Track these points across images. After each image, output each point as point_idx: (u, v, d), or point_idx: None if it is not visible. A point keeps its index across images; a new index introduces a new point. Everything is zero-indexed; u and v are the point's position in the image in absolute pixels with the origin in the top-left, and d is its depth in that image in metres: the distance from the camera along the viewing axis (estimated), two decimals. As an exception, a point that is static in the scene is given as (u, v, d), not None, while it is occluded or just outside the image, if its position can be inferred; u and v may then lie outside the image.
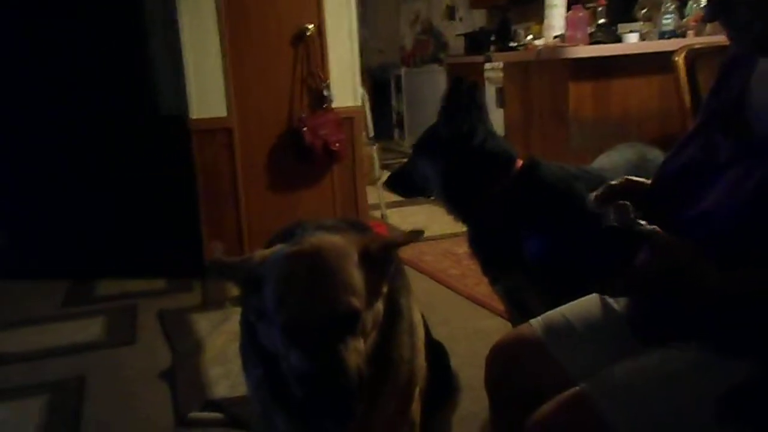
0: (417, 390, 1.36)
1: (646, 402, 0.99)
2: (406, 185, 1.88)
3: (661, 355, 1.04)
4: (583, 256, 1.02)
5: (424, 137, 1.80)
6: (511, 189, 1.66)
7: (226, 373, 2.39)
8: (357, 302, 1.05)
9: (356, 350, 1.04)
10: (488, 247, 1.73)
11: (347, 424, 1.03)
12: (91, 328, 3.01)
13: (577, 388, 1.04)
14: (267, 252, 1.13)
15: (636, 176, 1.26)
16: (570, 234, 1.13)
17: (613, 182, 1.17)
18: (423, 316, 1.48)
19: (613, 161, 1.89)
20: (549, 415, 1.05)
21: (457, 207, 1.75)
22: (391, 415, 1.29)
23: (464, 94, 1.71)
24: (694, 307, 0.98)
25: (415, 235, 1.16)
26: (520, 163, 1.69)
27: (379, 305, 1.13)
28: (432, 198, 1.84)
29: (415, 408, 1.37)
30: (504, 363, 1.33)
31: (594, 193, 1.16)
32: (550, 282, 1.53)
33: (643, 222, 0.98)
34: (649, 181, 1.20)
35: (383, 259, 1.13)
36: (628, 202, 1.06)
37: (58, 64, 4.44)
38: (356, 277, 1.07)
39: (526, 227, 1.60)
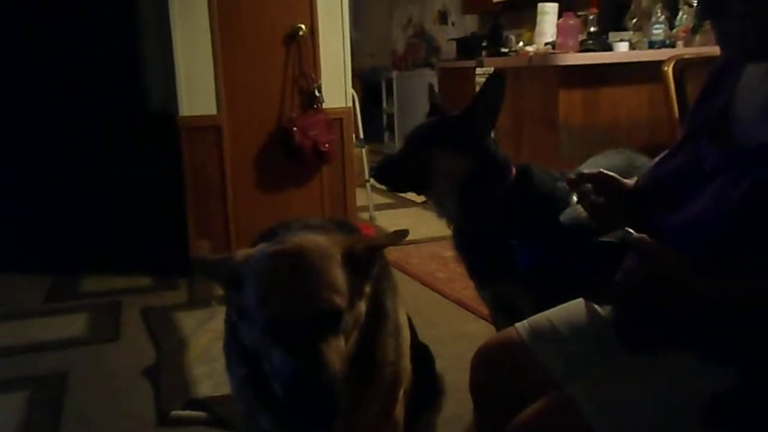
0: (401, 392, 1.36)
1: (631, 407, 0.99)
2: (400, 178, 1.75)
3: (647, 360, 1.05)
4: (573, 264, 1.02)
5: (439, 128, 1.70)
6: (507, 196, 1.66)
7: (210, 372, 2.37)
8: (340, 301, 1.04)
9: (338, 350, 1.04)
10: (481, 254, 1.72)
11: (330, 424, 1.02)
12: (74, 324, 2.99)
13: (563, 392, 1.04)
14: (250, 251, 1.12)
15: None
16: (560, 242, 1.15)
17: (586, 170, 1.19)
18: (409, 319, 1.48)
19: (601, 166, 1.89)
20: (533, 419, 1.05)
21: (461, 209, 1.69)
22: (376, 416, 1.29)
23: (502, 89, 1.68)
24: (681, 315, 0.99)
25: (400, 236, 1.16)
26: (514, 170, 1.70)
27: (362, 306, 1.13)
28: (428, 195, 1.75)
29: (400, 409, 1.37)
30: (489, 366, 1.33)
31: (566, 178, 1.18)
32: (540, 289, 1.53)
33: (630, 230, 0.99)
34: (621, 179, 1.21)
35: (367, 259, 1.13)
36: (589, 185, 1.11)
37: (48, 58, 4.41)
38: (339, 276, 1.06)
39: (518, 235, 1.60)
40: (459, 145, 1.66)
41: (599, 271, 1.01)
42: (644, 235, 0.97)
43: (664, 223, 1.04)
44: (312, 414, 1.00)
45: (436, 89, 1.95)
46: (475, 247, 1.73)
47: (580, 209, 1.14)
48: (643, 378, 1.03)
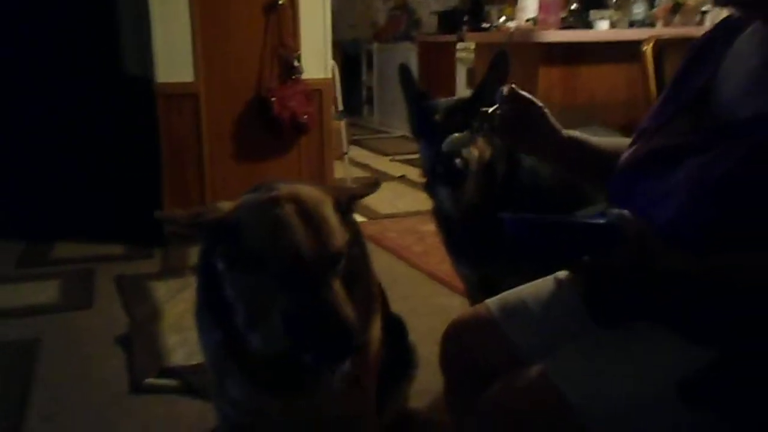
0: (371, 360, 1.37)
1: (606, 380, 1.00)
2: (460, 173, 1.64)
3: (620, 335, 1.06)
4: (558, 241, 1.04)
5: (466, 115, 1.59)
6: (505, 178, 1.68)
7: (183, 341, 2.37)
8: (341, 244, 1.08)
9: (341, 289, 1.07)
10: (474, 236, 1.72)
11: (347, 359, 1.04)
12: (46, 291, 2.96)
13: (536, 367, 1.05)
14: (231, 203, 1.12)
15: None
16: (549, 218, 1.16)
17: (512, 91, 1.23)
18: (383, 290, 1.49)
19: None
20: (509, 397, 1.06)
21: (475, 195, 1.67)
22: (346, 384, 1.30)
23: (507, 67, 1.66)
24: (660, 293, 1.01)
25: (373, 187, 1.24)
26: None
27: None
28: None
29: (370, 378, 1.38)
30: (459, 341, 1.34)
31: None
32: (529, 269, 1.53)
33: (614, 210, 1.00)
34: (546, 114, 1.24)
35: (347, 208, 1.17)
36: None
37: (21, 19, 4.30)
38: (335, 220, 1.10)
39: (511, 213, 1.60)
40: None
41: (583, 248, 1.02)
42: (625, 211, 0.98)
43: (648, 201, 1.04)
44: (329, 353, 1.02)
45: (416, 63, 1.95)
46: (466, 228, 1.73)
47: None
48: (616, 354, 1.04)
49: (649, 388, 0.98)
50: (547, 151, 1.28)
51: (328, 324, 1.00)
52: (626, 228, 0.97)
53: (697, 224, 0.96)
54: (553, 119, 1.25)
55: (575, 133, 1.28)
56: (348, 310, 1.03)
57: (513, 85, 1.24)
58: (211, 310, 1.19)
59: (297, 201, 1.07)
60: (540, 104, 1.24)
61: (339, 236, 1.08)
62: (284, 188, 1.12)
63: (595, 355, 1.06)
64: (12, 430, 1.92)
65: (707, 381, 0.97)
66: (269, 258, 1.04)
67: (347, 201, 1.17)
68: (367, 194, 1.23)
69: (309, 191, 1.12)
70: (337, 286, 1.05)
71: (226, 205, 1.11)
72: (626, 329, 1.06)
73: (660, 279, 0.98)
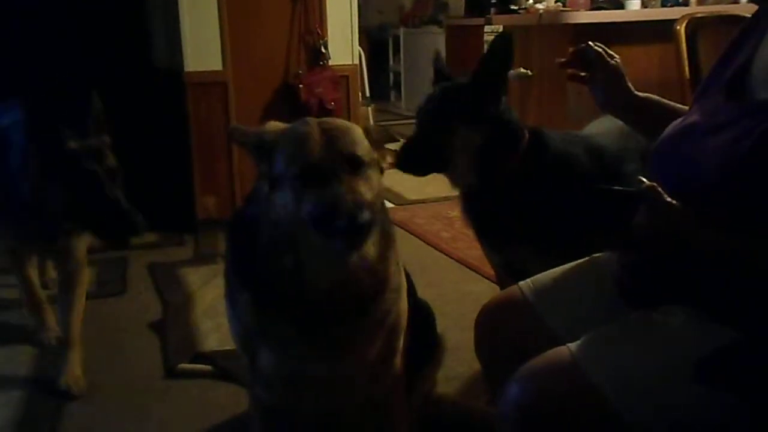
0: (400, 341, 1.36)
1: (631, 365, 1.00)
2: (424, 163, 1.68)
3: (648, 317, 1.06)
4: (589, 220, 1.05)
5: (450, 102, 1.62)
6: (521, 161, 1.63)
7: (216, 327, 2.40)
8: (362, 153, 1.14)
9: (366, 185, 1.11)
10: (494, 219, 1.69)
11: (361, 244, 1.11)
12: (81, 279, 3.01)
13: (564, 349, 1.05)
14: (281, 124, 1.24)
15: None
16: (577, 203, 1.16)
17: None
18: (409, 275, 1.48)
19: (605, 127, 1.86)
20: (536, 380, 1.06)
21: (479, 178, 1.64)
22: (374, 366, 1.30)
23: (509, 50, 1.62)
24: (684, 267, 1.00)
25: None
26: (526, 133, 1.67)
27: (378, 177, 1.20)
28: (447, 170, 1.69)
29: (398, 358, 1.38)
30: (493, 325, 1.34)
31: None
32: (552, 253, 1.50)
33: (643, 179, 1.00)
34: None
35: (377, 138, 1.26)
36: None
37: (50, 14, 4.35)
38: (360, 137, 1.18)
39: (536, 198, 1.57)
40: (473, 116, 1.60)
41: (612, 222, 1.03)
42: (655, 184, 0.98)
43: (676, 175, 1.04)
44: (344, 237, 1.07)
45: (444, 48, 1.93)
46: (488, 213, 1.71)
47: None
48: (644, 336, 1.04)
49: (669, 371, 0.98)
50: None
51: (339, 208, 1.05)
52: (652, 198, 0.97)
53: (724, 201, 0.96)
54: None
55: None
56: (360, 196, 1.07)
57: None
58: (244, 268, 1.26)
59: (325, 122, 1.18)
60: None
61: (360, 147, 1.15)
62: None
63: (621, 337, 1.06)
64: (52, 412, 1.97)
65: (722, 360, 0.97)
66: (289, 171, 1.12)
67: (378, 132, 1.27)
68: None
69: (341, 120, 1.24)
70: (354, 181, 1.09)
71: (271, 126, 1.24)
72: (652, 311, 1.06)
73: (686, 258, 0.98)
